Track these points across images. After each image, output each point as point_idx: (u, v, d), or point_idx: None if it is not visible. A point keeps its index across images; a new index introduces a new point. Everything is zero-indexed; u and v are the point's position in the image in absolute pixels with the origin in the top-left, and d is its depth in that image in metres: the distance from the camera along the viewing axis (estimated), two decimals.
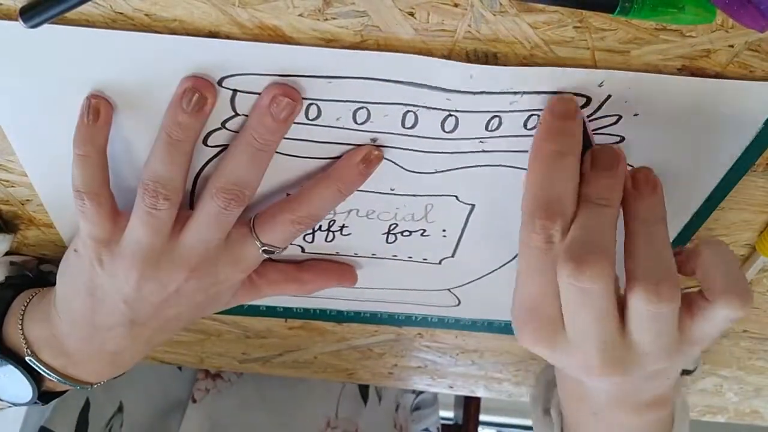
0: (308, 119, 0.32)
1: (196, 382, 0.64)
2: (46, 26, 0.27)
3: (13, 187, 0.39)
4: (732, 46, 0.29)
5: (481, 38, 0.29)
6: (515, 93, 0.31)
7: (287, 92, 0.30)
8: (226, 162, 0.33)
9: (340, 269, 0.43)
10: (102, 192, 0.34)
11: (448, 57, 0.30)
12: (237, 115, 0.32)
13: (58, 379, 0.40)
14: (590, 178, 0.30)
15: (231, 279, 0.38)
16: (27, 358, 0.39)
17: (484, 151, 0.34)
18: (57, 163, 0.35)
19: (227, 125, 0.33)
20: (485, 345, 0.55)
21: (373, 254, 0.42)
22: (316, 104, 0.32)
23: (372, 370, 0.60)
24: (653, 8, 0.26)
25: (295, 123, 0.32)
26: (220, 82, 0.31)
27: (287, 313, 0.50)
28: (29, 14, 0.26)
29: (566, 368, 0.34)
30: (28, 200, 0.40)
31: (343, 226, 0.39)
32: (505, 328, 0.52)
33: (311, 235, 0.40)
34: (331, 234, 0.40)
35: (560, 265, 0.29)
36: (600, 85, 0.31)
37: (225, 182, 0.33)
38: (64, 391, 0.43)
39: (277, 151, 0.34)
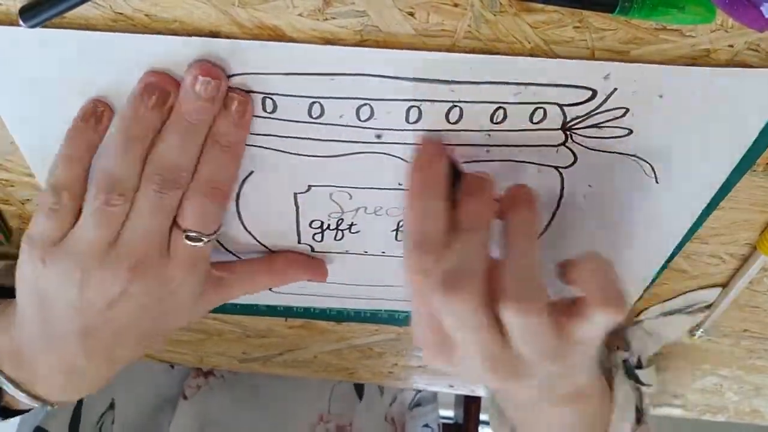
0: (312, 117, 0.32)
1: (187, 379, 0.64)
2: (48, 30, 0.28)
3: (12, 186, 0.40)
4: (732, 46, 0.29)
5: (481, 38, 0.29)
6: (519, 84, 0.31)
7: (208, 71, 0.30)
8: (159, 144, 0.32)
9: (310, 261, 0.42)
10: (83, 191, 0.33)
11: None
12: None
13: (17, 393, 0.38)
14: (459, 206, 0.33)
15: (178, 279, 0.35)
16: None
17: (490, 145, 0.34)
18: None
19: None
20: None
21: (383, 252, 0.42)
22: (319, 102, 0.32)
23: (372, 370, 0.60)
24: (653, 8, 0.26)
25: (298, 121, 0.32)
26: None
27: (287, 312, 0.50)
28: (29, 14, 0.26)
29: (469, 379, 0.37)
30: (28, 200, 0.41)
31: (351, 224, 0.39)
32: None
33: (320, 234, 0.40)
34: (340, 233, 0.40)
35: (432, 292, 0.31)
36: (606, 78, 0.30)
37: (159, 164, 0.32)
38: (27, 410, 0.41)
39: (281, 149, 0.34)
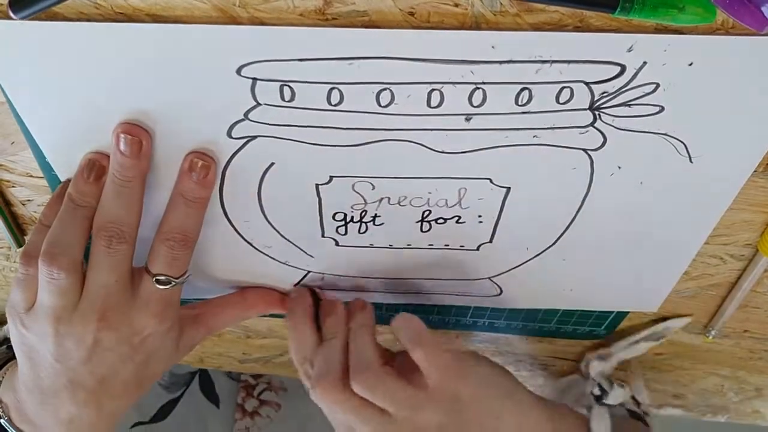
0: (331, 104, 0.32)
1: (234, 422, 0.64)
2: (52, 23, 0.28)
3: (14, 187, 0.40)
4: None
5: None
6: (543, 62, 0.29)
7: (129, 129, 0.32)
8: (99, 204, 0.35)
9: (281, 297, 0.46)
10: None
11: None
12: (259, 104, 0.32)
13: None
14: (321, 324, 0.43)
15: (151, 327, 0.38)
16: (2, 421, 0.40)
17: (516, 128, 0.33)
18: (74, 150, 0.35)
19: (250, 116, 0.32)
20: (486, 345, 0.55)
21: (408, 244, 0.41)
22: (338, 89, 0.31)
23: None
24: (654, 8, 0.26)
25: (318, 110, 0.32)
26: (238, 71, 0.30)
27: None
28: (18, 6, 0.26)
29: None
30: (29, 200, 0.41)
31: (375, 216, 0.39)
32: (507, 329, 0.52)
33: (344, 227, 0.40)
34: (363, 225, 0.40)
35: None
36: (629, 50, 0.29)
37: (101, 221, 0.35)
38: None
39: (301, 140, 0.33)
